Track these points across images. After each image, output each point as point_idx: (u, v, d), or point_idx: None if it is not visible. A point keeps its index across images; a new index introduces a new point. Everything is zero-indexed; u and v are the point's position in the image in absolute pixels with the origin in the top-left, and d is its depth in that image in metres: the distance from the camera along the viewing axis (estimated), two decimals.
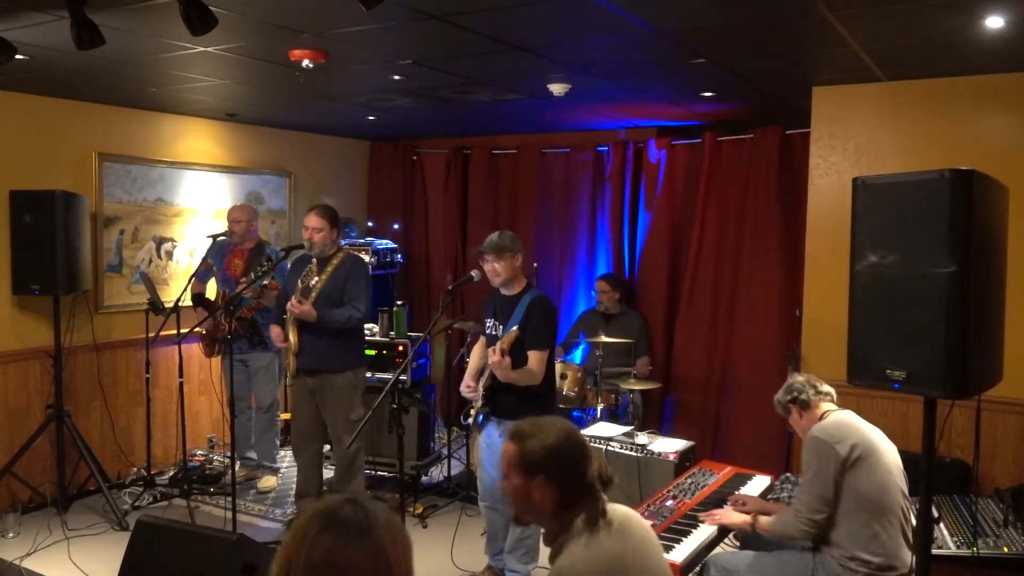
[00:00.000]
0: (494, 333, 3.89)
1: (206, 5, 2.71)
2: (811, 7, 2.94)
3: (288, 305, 4.37)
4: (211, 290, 5.40)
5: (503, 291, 3.88)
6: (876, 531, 2.89)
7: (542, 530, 2.15)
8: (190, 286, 5.21)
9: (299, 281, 4.44)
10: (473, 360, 4.13)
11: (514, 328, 3.68)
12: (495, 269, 3.79)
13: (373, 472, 5.07)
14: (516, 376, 3.69)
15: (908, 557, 2.91)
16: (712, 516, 3.31)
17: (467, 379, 4.01)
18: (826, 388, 3.19)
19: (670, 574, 2.15)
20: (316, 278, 4.43)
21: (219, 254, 5.28)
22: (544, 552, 2.34)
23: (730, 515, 3.28)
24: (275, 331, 4.54)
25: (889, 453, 3.00)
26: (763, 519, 3.15)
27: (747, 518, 3.20)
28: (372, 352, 5.30)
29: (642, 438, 4.47)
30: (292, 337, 4.42)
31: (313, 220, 4.45)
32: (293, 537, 1.36)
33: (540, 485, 2.07)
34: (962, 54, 3.64)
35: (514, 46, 3.62)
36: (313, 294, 4.40)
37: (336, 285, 4.44)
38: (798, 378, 3.25)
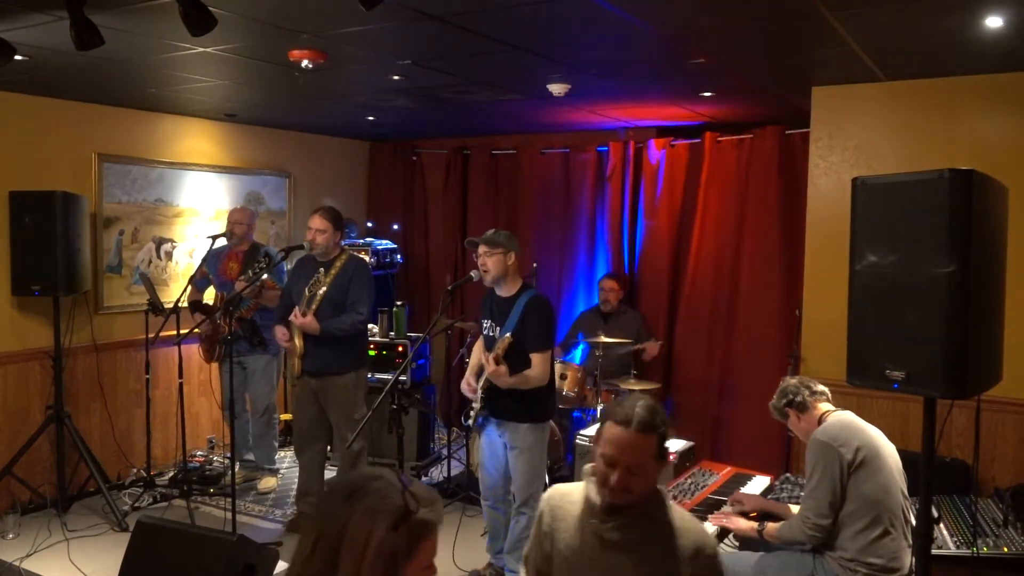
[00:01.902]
0: (491, 335, 3.89)
1: (206, 5, 2.71)
2: (811, 7, 2.94)
3: (291, 317, 4.44)
4: (208, 296, 5.40)
5: (499, 292, 3.88)
6: (879, 533, 2.88)
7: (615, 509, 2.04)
8: (187, 293, 5.20)
9: (306, 290, 4.46)
10: (473, 358, 4.13)
11: (507, 335, 3.68)
12: (484, 263, 3.78)
13: None
14: (515, 381, 3.68)
15: (909, 558, 2.91)
16: (719, 518, 3.30)
17: (468, 376, 4.00)
18: (820, 388, 3.18)
19: None
20: (324, 288, 4.45)
21: (214, 261, 5.28)
22: None
23: (738, 521, 3.27)
24: (280, 330, 4.57)
25: (891, 454, 3.00)
26: (770, 526, 3.13)
27: (754, 525, 3.19)
28: (372, 352, 5.30)
29: None
30: (297, 341, 4.50)
31: (317, 221, 4.49)
32: None
33: (668, 462, 2.11)
34: (962, 54, 3.64)
35: (514, 46, 3.61)
36: (318, 297, 4.43)
37: (339, 289, 4.49)
38: (791, 381, 3.24)
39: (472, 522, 4.75)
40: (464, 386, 3.99)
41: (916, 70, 4.03)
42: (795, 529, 3.01)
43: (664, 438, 2.03)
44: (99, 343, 5.26)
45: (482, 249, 3.78)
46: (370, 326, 5.44)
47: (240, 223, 5.22)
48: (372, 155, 7.35)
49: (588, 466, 2.13)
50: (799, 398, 3.14)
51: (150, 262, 5.61)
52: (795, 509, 3.37)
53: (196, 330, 5.02)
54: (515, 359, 3.70)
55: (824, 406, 3.15)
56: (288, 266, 5.19)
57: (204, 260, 5.26)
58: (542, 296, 3.87)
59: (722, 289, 5.72)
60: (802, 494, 3.67)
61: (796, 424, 3.19)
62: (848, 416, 3.08)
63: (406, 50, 3.78)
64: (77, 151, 5.16)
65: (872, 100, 4.31)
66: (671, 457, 4.16)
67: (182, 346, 4.98)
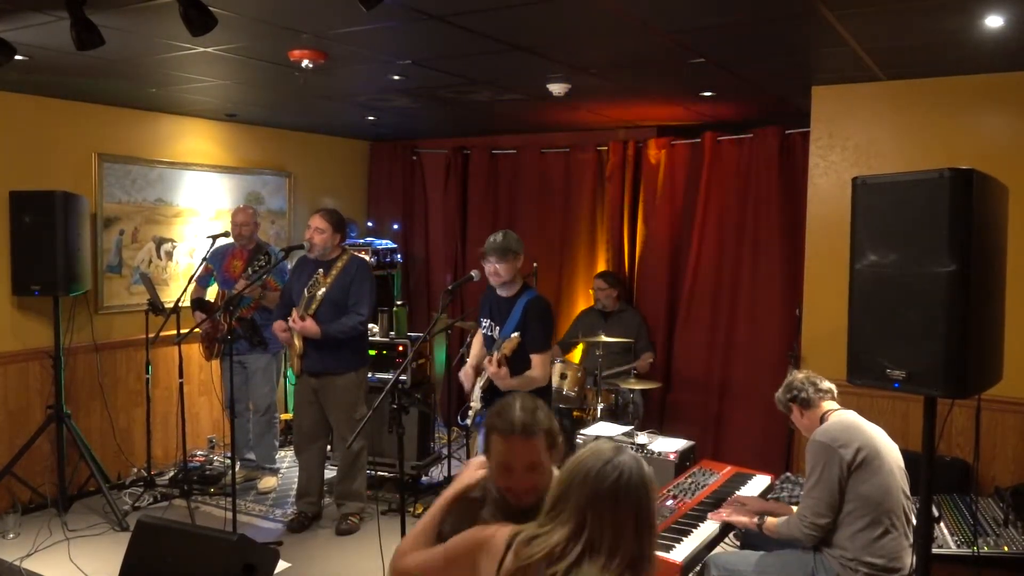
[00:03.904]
0: (490, 334, 3.89)
1: (206, 5, 2.71)
2: (811, 7, 2.94)
3: (290, 322, 4.44)
4: (211, 294, 5.40)
5: (499, 291, 3.87)
6: (879, 533, 2.89)
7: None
8: (190, 289, 5.21)
9: (305, 291, 4.46)
10: (474, 351, 4.11)
11: (515, 335, 3.67)
12: (496, 270, 3.76)
13: (373, 472, 5.07)
14: (516, 383, 3.67)
15: (910, 557, 2.91)
16: (719, 513, 3.31)
17: (468, 366, 3.98)
18: (827, 385, 3.18)
19: None
20: (323, 290, 4.45)
21: (218, 258, 5.28)
22: None
23: (738, 515, 3.28)
24: (279, 324, 4.58)
25: (892, 453, 3.00)
26: (769, 520, 3.14)
27: (754, 519, 3.20)
28: (372, 352, 5.30)
29: (642, 438, 4.48)
30: (297, 341, 4.51)
31: (317, 221, 4.51)
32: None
33: (560, 449, 2.12)
34: (962, 54, 3.65)
35: (514, 46, 3.62)
36: (317, 298, 4.43)
37: (340, 289, 4.49)
38: (798, 376, 3.24)
39: None
40: (463, 375, 3.96)
41: (916, 70, 4.03)
42: (792, 527, 3.02)
43: (551, 433, 2.10)
44: (99, 343, 5.26)
45: (493, 258, 3.75)
46: (370, 326, 5.44)
47: (247, 224, 5.21)
48: (372, 155, 7.35)
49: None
50: (803, 394, 3.15)
51: (150, 262, 5.62)
52: (795, 509, 3.38)
53: (197, 329, 5.02)
54: (515, 359, 3.70)
55: (828, 404, 3.15)
56: (290, 266, 5.20)
57: (208, 257, 5.26)
58: (542, 297, 3.87)
59: (722, 289, 5.72)
60: (801, 493, 3.68)
61: (799, 420, 3.20)
62: (850, 416, 3.08)
63: (406, 50, 3.78)
64: (77, 151, 5.16)
65: (872, 100, 4.31)
66: (674, 457, 4.20)
67: (182, 346, 4.98)
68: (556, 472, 2.11)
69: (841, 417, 3.07)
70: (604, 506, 1.67)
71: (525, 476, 2.06)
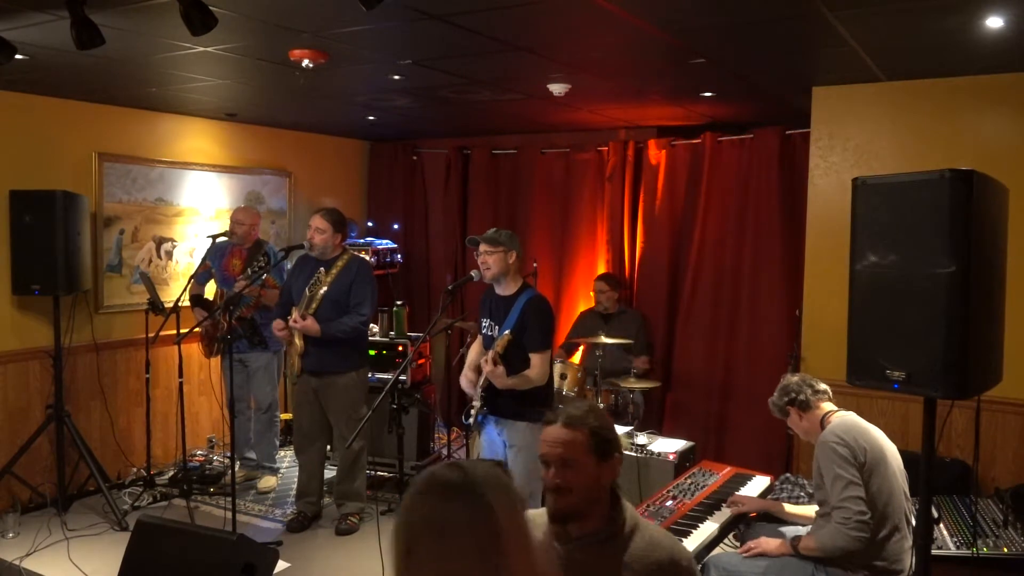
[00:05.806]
0: (490, 334, 3.89)
1: (206, 5, 2.71)
2: (811, 7, 2.94)
3: (290, 322, 4.45)
4: (209, 291, 5.40)
5: (499, 291, 3.88)
6: (884, 535, 2.88)
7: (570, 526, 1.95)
8: (188, 288, 5.21)
9: (306, 290, 4.46)
10: (471, 356, 4.11)
11: (506, 333, 3.67)
12: (485, 262, 3.78)
13: (373, 472, 5.07)
14: (513, 383, 3.66)
15: (911, 559, 2.90)
16: (750, 549, 3.16)
17: (467, 370, 3.98)
18: (822, 386, 3.17)
19: None
20: (324, 289, 4.45)
21: (217, 255, 5.28)
22: None
23: (768, 544, 3.13)
24: (278, 323, 4.58)
25: (893, 455, 3.00)
26: (805, 540, 3.00)
27: (786, 544, 3.06)
28: (372, 352, 5.31)
29: (642, 438, 4.48)
30: (297, 341, 4.51)
31: (317, 221, 4.52)
32: (401, 506, 1.38)
33: (615, 464, 1.98)
34: (962, 54, 3.64)
35: (514, 46, 3.61)
36: (318, 298, 4.43)
37: (341, 289, 4.50)
38: (792, 379, 3.21)
39: None
40: (463, 380, 3.97)
41: (916, 70, 4.03)
42: (837, 536, 2.87)
43: (599, 436, 1.96)
44: (99, 342, 5.26)
45: (483, 247, 3.78)
46: (370, 326, 5.44)
47: (241, 223, 5.22)
48: (372, 155, 7.35)
49: None
50: (802, 396, 3.13)
51: (150, 261, 5.62)
52: (788, 507, 3.38)
53: (197, 328, 5.02)
54: (514, 359, 3.69)
55: (827, 406, 3.14)
56: (289, 265, 5.20)
57: (207, 254, 5.26)
58: (542, 296, 3.87)
59: (722, 289, 5.72)
60: (802, 494, 3.66)
61: (797, 423, 3.18)
62: (852, 417, 3.07)
63: (406, 50, 3.78)
64: (77, 150, 5.16)
65: (872, 100, 4.31)
66: (674, 458, 4.19)
67: (182, 345, 4.98)
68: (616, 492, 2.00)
69: (844, 419, 3.06)
70: (433, 555, 1.30)
71: (559, 471, 1.95)
